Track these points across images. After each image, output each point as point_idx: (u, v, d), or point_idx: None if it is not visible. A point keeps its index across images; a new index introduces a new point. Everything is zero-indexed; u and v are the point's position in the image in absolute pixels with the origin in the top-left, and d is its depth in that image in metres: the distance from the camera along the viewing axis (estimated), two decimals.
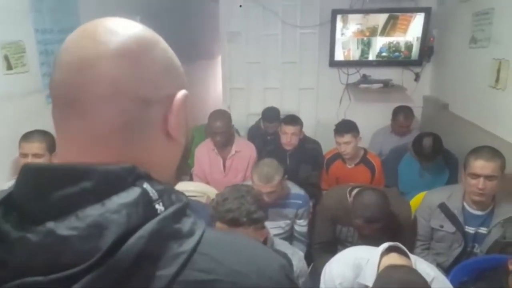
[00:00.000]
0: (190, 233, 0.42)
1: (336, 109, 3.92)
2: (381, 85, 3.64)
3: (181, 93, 0.50)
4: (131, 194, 0.40)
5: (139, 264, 0.37)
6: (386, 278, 1.22)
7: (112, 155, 0.44)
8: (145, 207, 0.40)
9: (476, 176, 1.90)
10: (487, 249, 1.97)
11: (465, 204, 2.03)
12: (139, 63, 0.45)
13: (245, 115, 4.01)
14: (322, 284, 1.46)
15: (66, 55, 0.44)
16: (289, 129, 2.83)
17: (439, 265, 2.11)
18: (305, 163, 2.97)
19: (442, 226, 2.06)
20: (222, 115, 2.74)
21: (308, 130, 3.94)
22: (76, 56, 0.43)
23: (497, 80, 2.47)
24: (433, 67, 3.75)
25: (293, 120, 2.89)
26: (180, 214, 0.43)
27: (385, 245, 1.42)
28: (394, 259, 1.38)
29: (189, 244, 0.41)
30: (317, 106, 3.98)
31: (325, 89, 3.92)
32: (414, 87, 3.86)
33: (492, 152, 1.91)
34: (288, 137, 2.83)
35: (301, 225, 2.29)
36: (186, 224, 0.43)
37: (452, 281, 1.72)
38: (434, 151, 2.63)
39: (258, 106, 3.71)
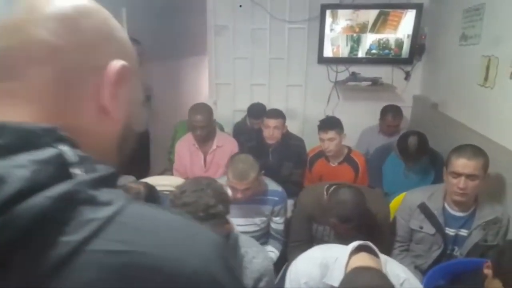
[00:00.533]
0: (109, 202, 0.37)
1: (324, 107, 3.83)
2: (370, 83, 3.54)
3: (117, 63, 0.46)
4: (44, 153, 0.36)
5: (41, 226, 0.33)
6: (350, 283, 1.13)
7: (40, 118, 0.41)
8: (58, 168, 0.37)
9: (457, 175, 1.81)
10: (467, 252, 1.89)
11: (446, 204, 1.94)
12: (76, 29, 0.44)
13: (231, 111, 3.92)
14: (287, 283, 1.37)
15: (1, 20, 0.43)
16: (272, 122, 2.75)
17: (417, 268, 2.03)
18: (288, 160, 2.88)
19: (421, 227, 1.97)
20: (203, 109, 2.65)
21: (295, 128, 3.86)
22: (10, 20, 0.43)
23: (486, 78, 2.38)
24: (424, 66, 3.67)
25: (276, 113, 2.82)
26: (101, 182, 0.39)
27: (354, 243, 1.33)
28: (363, 259, 1.29)
29: (105, 211, 0.36)
30: (305, 104, 3.88)
31: (313, 86, 3.83)
32: (404, 86, 3.77)
33: (475, 151, 1.83)
34: (270, 131, 2.75)
35: (278, 223, 2.20)
36: (105, 193, 0.38)
37: (427, 284, 1.63)
38: (419, 151, 2.54)
39: (244, 102, 3.62)
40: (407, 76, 3.73)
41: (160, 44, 4.00)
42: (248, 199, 2.06)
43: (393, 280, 1.28)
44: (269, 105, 3.81)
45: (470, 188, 1.80)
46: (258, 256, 1.40)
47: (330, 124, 2.69)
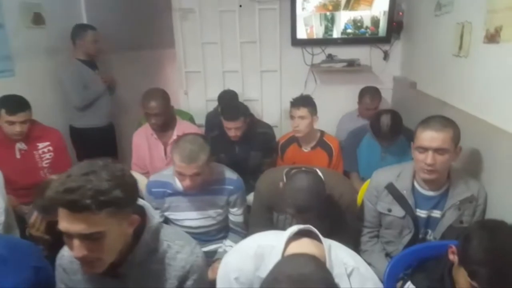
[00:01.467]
0: None
1: (301, 93, 3.62)
2: (346, 64, 3.34)
3: None
4: None
5: None
6: (275, 274, 0.94)
7: None
8: None
9: (424, 149, 1.62)
10: (441, 235, 1.69)
11: (415, 184, 1.75)
12: None
13: (203, 101, 3.72)
14: (218, 281, 1.18)
15: None
16: (230, 124, 2.54)
17: (388, 255, 1.84)
18: (256, 149, 2.68)
19: (390, 210, 1.78)
20: (157, 94, 2.44)
21: (273, 117, 3.69)
22: None
23: (460, 46, 2.19)
24: (403, 45, 3.46)
25: (233, 114, 2.54)
26: None
27: (293, 228, 1.14)
28: (302, 245, 1.10)
29: None
30: (281, 90, 3.68)
31: (288, 71, 3.63)
32: (383, 67, 3.57)
33: (443, 122, 1.63)
34: (231, 132, 2.54)
35: (236, 214, 2.01)
36: None
37: (390, 275, 1.44)
38: (393, 130, 2.35)
39: (217, 91, 3.42)
40: (386, 56, 3.53)
41: (125, 35, 3.81)
42: (200, 190, 1.87)
43: (338, 269, 1.09)
44: (244, 93, 3.64)
45: (439, 164, 1.60)
46: (183, 251, 1.20)
47: (303, 101, 2.52)
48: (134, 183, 1.06)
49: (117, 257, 1.10)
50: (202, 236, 1.98)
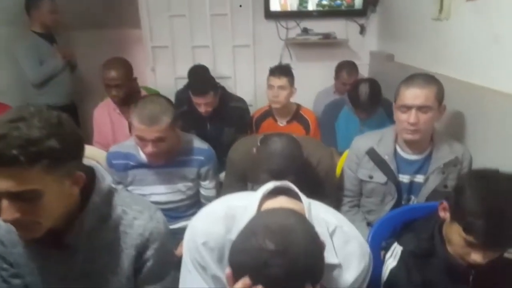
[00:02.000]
0: None
1: (280, 62, 3.47)
2: (321, 36, 3.22)
3: None
4: None
5: None
6: (251, 227, 0.80)
7: None
8: None
9: (407, 108, 1.51)
10: (425, 200, 1.60)
11: (397, 148, 1.64)
12: None
13: (172, 78, 3.52)
14: (184, 247, 1.02)
15: None
16: (199, 100, 2.36)
17: (370, 225, 1.73)
18: (229, 125, 2.52)
19: (371, 177, 1.67)
20: (118, 63, 2.24)
21: (247, 95, 3.49)
22: None
23: (440, 9, 2.09)
24: (380, 18, 3.36)
25: (202, 89, 2.36)
26: None
27: (268, 185, 1.00)
28: (280, 203, 0.96)
29: None
30: (255, 67, 3.53)
31: (262, 46, 3.47)
32: (360, 42, 3.47)
33: (426, 78, 1.53)
34: (202, 108, 2.37)
35: (207, 188, 1.85)
36: None
37: (374, 239, 1.33)
38: (371, 99, 2.24)
39: (186, 68, 3.21)
40: (362, 30, 3.43)
41: (86, 11, 3.55)
42: (167, 161, 1.71)
43: (320, 228, 0.96)
44: (215, 69, 3.46)
45: (422, 123, 1.50)
46: (142, 217, 1.04)
47: (283, 70, 2.38)
48: (75, 132, 0.89)
49: (63, 223, 0.94)
50: (171, 212, 1.82)
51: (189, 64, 3.34)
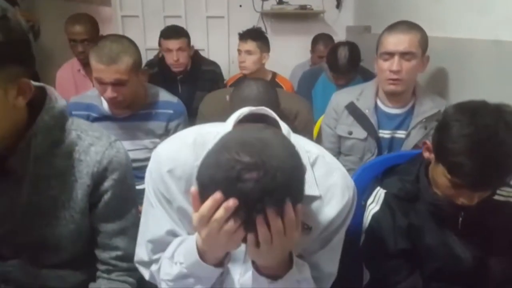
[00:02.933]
0: None
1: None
2: (298, 6, 3.12)
3: None
4: None
5: None
6: (222, 142, 0.68)
7: None
8: None
9: (389, 55, 1.43)
10: None
11: (378, 101, 1.56)
12: None
13: (142, 49, 3.27)
14: (146, 178, 0.89)
15: None
16: (172, 44, 2.23)
17: None
18: (201, 89, 2.39)
19: (350, 133, 1.58)
20: (84, 18, 2.08)
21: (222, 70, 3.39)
22: None
23: None
24: None
25: (175, 31, 2.29)
26: None
27: (243, 110, 0.88)
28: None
29: None
30: (230, 40, 3.39)
31: (237, 18, 3.33)
32: (336, 16, 3.40)
33: (410, 24, 1.46)
34: (173, 55, 2.24)
35: None
36: None
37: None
38: (350, 62, 2.16)
39: (157, 38, 3.05)
40: (339, 4, 3.36)
41: None
42: (133, 113, 1.57)
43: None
44: None
45: (405, 72, 1.42)
46: (99, 143, 0.91)
47: (252, 34, 2.27)
48: (23, 32, 0.75)
49: (6, 144, 0.80)
50: (136, 172, 1.64)
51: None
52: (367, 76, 2.37)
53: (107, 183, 0.91)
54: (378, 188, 1.10)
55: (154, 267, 0.87)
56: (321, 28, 3.33)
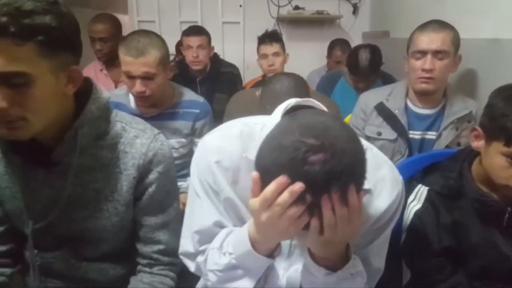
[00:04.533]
0: None
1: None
2: (315, 11, 3.13)
3: None
4: None
5: None
6: (282, 127, 0.67)
7: None
8: None
9: (422, 53, 1.42)
10: None
11: (408, 102, 1.55)
12: None
13: None
14: (192, 170, 0.88)
15: None
16: (193, 41, 2.25)
17: None
18: (220, 91, 2.39)
19: (379, 134, 1.57)
20: (105, 17, 2.10)
21: None
22: None
23: None
24: None
25: (197, 29, 2.34)
26: None
27: (290, 100, 0.87)
28: None
29: None
30: (244, 45, 3.41)
31: (252, 23, 3.35)
32: (352, 22, 3.41)
33: (442, 23, 1.44)
34: (193, 52, 2.25)
35: None
36: None
37: None
38: (372, 66, 2.15)
39: (173, 43, 3.06)
40: (355, 9, 3.37)
41: None
42: (160, 112, 1.56)
43: None
44: None
45: (438, 70, 1.41)
46: (144, 136, 0.90)
47: (274, 36, 2.30)
48: (73, 18, 0.76)
49: (53, 134, 0.81)
50: None
51: (176, 39, 3.19)
52: (388, 80, 2.37)
53: (152, 176, 0.90)
54: (420, 185, 1.08)
55: (200, 258, 0.85)
56: (337, 34, 3.34)
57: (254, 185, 0.66)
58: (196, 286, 0.98)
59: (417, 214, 1.05)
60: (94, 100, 0.85)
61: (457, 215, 1.03)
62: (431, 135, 1.53)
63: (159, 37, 1.53)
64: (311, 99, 0.89)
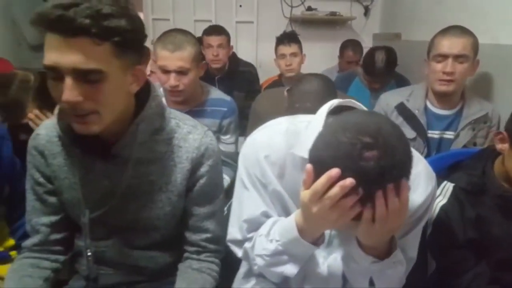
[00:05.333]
0: None
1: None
2: (328, 13, 3.20)
3: None
4: None
5: None
6: (336, 125, 0.73)
7: None
8: None
9: (443, 57, 1.49)
10: None
11: (428, 103, 1.62)
12: None
13: None
14: (240, 162, 0.95)
15: None
16: (214, 40, 2.32)
17: None
18: (238, 89, 2.47)
19: None
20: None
21: None
22: None
23: None
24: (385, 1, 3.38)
25: (218, 29, 2.42)
26: None
27: (333, 101, 0.93)
28: None
29: None
30: (258, 45, 3.48)
31: (266, 23, 3.42)
32: (363, 24, 3.48)
33: (463, 29, 1.52)
34: (214, 51, 2.32)
35: (227, 143, 1.77)
36: None
37: None
38: (387, 67, 2.22)
39: None
40: (367, 11, 3.44)
41: None
42: (189, 110, 1.62)
43: None
44: None
45: (458, 73, 1.48)
46: (196, 131, 0.97)
47: (293, 37, 2.36)
48: (141, 21, 0.82)
49: (115, 129, 0.86)
50: None
51: None
52: (400, 81, 2.44)
53: (203, 169, 0.96)
54: (445, 182, 1.15)
55: (248, 245, 0.92)
56: (348, 35, 3.40)
57: (307, 177, 0.72)
58: (238, 272, 1.05)
59: (443, 208, 1.12)
60: (154, 98, 0.91)
61: (480, 210, 1.10)
62: (449, 135, 1.60)
63: (193, 36, 1.60)
64: (351, 99, 0.95)
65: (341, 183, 0.67)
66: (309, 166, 0.72)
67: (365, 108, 0.94)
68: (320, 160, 0.71)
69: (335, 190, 0.67)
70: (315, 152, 0.73)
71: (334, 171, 0.67)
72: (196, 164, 0.95)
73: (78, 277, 1.06)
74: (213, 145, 0.99)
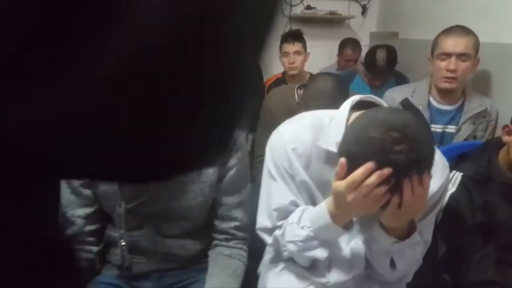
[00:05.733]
0: None
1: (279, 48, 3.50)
2: (328, 12, 3.28)
3: None
4: None
5: None
6: (365, 121, 0.80)
7: None
8: None
9: (447, 55, 1.57)
10: None
11: (431, 99, 1.70)
12: None
13: None
14: (268, 156, 1.01)
15: None
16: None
17: None
18: None
19: None
20: None
21: None
22: None
23: None
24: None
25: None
26: None
27: (355, 97, 1.00)
28: None
29: None
30: None
31: None
32: (360, 22, 3.56)
33: (465, 29, 1.60)
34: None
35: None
36: None
37: None
38: (388, 64, 2.30)
39: None
40: (364, 10, 3.52)
41: None
42: None
43: None
44: None
45: (461, 71, 1.57)
46: None
47: (297, 35, 2.41)
48: None
49: None
50: None
51: None
52: (399, 78, 2.52)
53: (233, 161, 1.03)
54: (454, 171, 1.23)
55: (278, 232, 0.99)
56: (346, 34, 3.47)
57: (340, 169, 0.80)
58: (264, 258, 1.12)
59: (453, 196, 1.20)
60: None
61: (487, 197, 1.19)
62: (451, 128, 1.69)
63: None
64: (372, 96, 1.03)
65: (378, 172, 0.74)
66: (342, 159, 0.79)
67: (385, 104, 1.02)
68: (352, 154, 0.78)
69: (372, 178, 0.75)
70: (346, 146, 0.80)
71: (371, 163, 0.74)
72: (226, 156, 1.02)
73: (110, 267, 1.11)
74: (241, 138, 1.07)
